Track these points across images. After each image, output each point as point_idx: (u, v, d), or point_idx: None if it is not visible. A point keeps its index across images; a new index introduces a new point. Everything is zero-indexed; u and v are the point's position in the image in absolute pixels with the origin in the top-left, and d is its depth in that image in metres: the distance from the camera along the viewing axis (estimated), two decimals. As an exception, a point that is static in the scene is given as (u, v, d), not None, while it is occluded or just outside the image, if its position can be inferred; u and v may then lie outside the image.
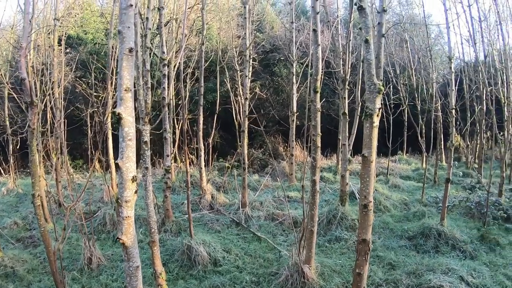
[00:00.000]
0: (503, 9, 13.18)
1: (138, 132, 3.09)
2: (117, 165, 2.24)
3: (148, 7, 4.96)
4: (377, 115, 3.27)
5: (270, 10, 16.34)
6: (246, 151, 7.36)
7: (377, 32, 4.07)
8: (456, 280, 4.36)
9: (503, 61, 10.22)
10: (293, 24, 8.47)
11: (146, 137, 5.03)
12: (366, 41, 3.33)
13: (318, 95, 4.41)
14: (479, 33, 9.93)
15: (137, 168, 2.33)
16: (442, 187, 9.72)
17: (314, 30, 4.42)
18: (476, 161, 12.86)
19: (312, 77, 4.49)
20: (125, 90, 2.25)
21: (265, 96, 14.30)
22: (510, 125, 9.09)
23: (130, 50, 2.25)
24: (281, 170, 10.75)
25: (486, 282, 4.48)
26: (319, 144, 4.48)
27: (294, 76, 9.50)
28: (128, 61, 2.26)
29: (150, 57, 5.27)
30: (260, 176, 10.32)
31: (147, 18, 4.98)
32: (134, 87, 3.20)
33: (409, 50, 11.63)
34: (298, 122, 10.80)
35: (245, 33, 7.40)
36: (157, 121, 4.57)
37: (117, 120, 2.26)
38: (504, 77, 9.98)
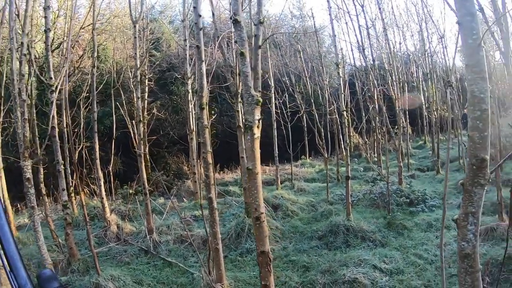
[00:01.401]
0: (390, 16, 15.15)
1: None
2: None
3: (23, 31, 4.41)
4: (258, 127, 3.29)
5: (167, 28, 16.07)
6: (145, 176, 7.04)
7: (254, 44, 4.17)
8: (370, 269, 4.57)
9: (391, 63, 11.52)
10: (187, 42, 8.41)
11: (28, 173, 4.40)
12: (242, 54, 3.35)
13: (205, 111, 4.34)
14: (367, 40, 11.05)
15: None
16: (345, 184, 10.49)
17: (198, 47, 4.37)
18: (375, 155, 14.11)
19: (197, 94, 4.42)
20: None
21: (163, 116, 13.94)
22: (402, 119, 10.26)
23: None
24: (186, 189, 10.53)
25: (399, 265, 4.76)
26: (210, 160, 4.39)
27: (190, 94, 9.43)
28: None
29: (28, 85, 4.67)
30: (166, 198, 9.96)
31: (21, 43, 4.41)
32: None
33: (303, 59, 12.40)
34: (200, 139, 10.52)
35: (135, 53, 7.08)
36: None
37: None
38: (393, 77, 11.32)
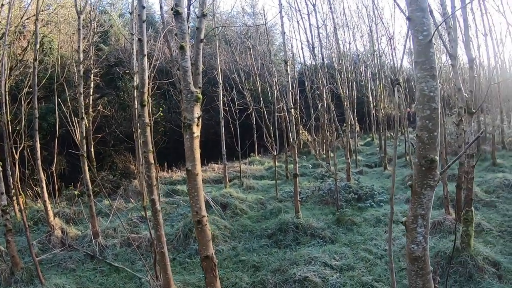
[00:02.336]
0: (341, 17, 15.48)
1: None
2: None
3: None
4: (197, 125, 3.03)
5: (116, 21, 15.12)
6: (88, 177, 6.54)
7: (195, 38, 3.89)
8: (320, 267, 4.51)
9: (340, 62, 11.73)
10: (134, 36, 7.88)
11: None
12: (182, 48, 3.08)
13: (146, 109, 3.98)
14: (318, 39, 11.13)
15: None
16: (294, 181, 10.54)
17: (140, 40, 3.97)
18: (324, 152, 14.38)
19: (138, 90, 4.04)
20: None
21: (110, 113, 13.17)
22: (350, 117, 10.48)
23: None
24: (133, 189, 9.99)
25: (349, 262, 4.75)
26: (152, 160, 4.05)
27: (135, 90, 8.92)
28: None
29: None
30: (113, 199, 9.36)
31: None
32: None
33: (253, 57, 12.28)
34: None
35: (78, 46, 6.46)
36: None
37: None
38: (342, 76, 11.57)
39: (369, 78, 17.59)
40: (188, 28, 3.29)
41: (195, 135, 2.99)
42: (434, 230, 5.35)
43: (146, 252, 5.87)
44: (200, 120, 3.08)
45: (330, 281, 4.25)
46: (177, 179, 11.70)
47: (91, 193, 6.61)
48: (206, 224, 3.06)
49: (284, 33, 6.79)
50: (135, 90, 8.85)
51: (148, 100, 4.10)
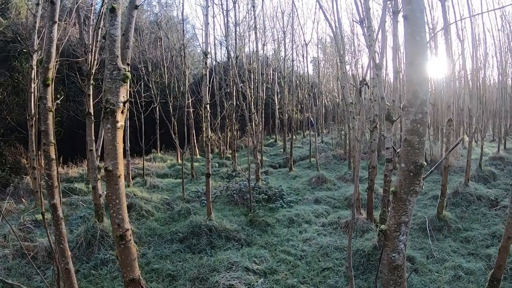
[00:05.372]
0: (258, 20, 15.49)
1: None
2: None
3: None
4: (122, 112, 2.43)
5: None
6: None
7: (129, 3, 3.20)
8: (243, 272, 4.27)
9: (251, 63, 11.69)
10: (39, 7, 6.48)
11: None
12: (112, 10, 2.40)
13: (50, 89, 3.10)
14: (233, 36, 10.89)
15: None
16: (200, 180, 10.16)
17: (52, 3, 3.07)
18: (229, 151, 14.30)
19: (42, 65, 3.11)
20: None
21: (1, 96, 10.89)
22: (256, 116, 10.51)
23: None
24: (25, 187, 8.34)
25: (271, 265, 4.61)
26: (53, 155, 3.17)
27: (34, 71, 7.41)
28: None
29: None
30: (1, 199, 7.61)
31: None
32: None
33: (163, 48, 11.54)
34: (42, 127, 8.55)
35: None
36: None
37: None
38: (252, 76, 11.59)
39: (276, 81, 18.24)
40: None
41: (119, 124, 2.38)
42: (347, 229, 5.66)
43: (44, 264, 4.88)
44: (127, 106, 2.50)
45: (256, 287, 4.08)
46: (74, 176, 10.26)
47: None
48: (130, 240, 2.47)
49: (208, 23, 6.37)
50: (33, 70, 7.34)
51: (53, 80, 3.23)
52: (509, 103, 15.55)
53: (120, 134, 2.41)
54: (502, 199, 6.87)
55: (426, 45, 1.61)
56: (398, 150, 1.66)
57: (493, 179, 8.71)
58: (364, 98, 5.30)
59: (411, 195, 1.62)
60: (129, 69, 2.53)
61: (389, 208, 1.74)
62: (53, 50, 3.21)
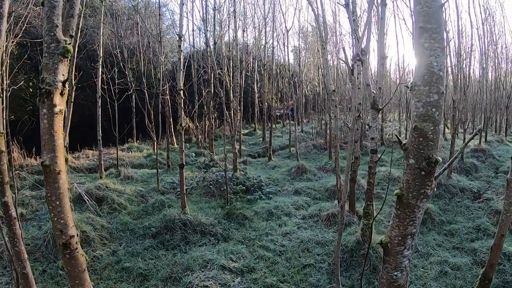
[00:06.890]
0: (238, 5, 14.89)
1: None
2: None
3: None
4: (62, 93, 1.96)
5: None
6: None
7: None
8: (219, 271, 3.96)
9: (230, 50, 11.18)
10: None
11: None
12: None
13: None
14: (212, 22, 10.33)
15: None
16: (176, 170, 9.66)
17: None
18: (207, 140, 13.82)
19: None
20: None
21: None
22: (235, 104, 10.05)
23: None
24: None
25: (249, 262, 4.30)
26: (3, 147, 2.71)
27: None
28: None
29: None
30: None
31: None
32: None
33: (140, 34, 10.86)
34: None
35: None
36: None
37: None
38: (231, 63, 11.11)
39: (256, 70, 17.71)
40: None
41: (57, 109, 1.91)
42: (329, 222, 5.39)
43: (4, 270, 4.33)
44: (68, 88, 2.02)
45: (233, 287, 3.73)
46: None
47: None
48: (77, 248, 2.02)
49: (183, 4, 5.84)
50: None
51: (4, 62, 2.70)
52: (489, 95, 15.82)
53: (59, 121, 1.93)
54: (485, 192, 6.80)
55: (441, 7, 1.23)
56: (404, 142, 1.29)
57: (475, 171, 8.70)
58: (357, 78, 4.94)
59: (421, 200, 1.27)
60: (71, 42, 2.05)
61: (392, 216, 1.38)
62: (3, 28, 2.71)
